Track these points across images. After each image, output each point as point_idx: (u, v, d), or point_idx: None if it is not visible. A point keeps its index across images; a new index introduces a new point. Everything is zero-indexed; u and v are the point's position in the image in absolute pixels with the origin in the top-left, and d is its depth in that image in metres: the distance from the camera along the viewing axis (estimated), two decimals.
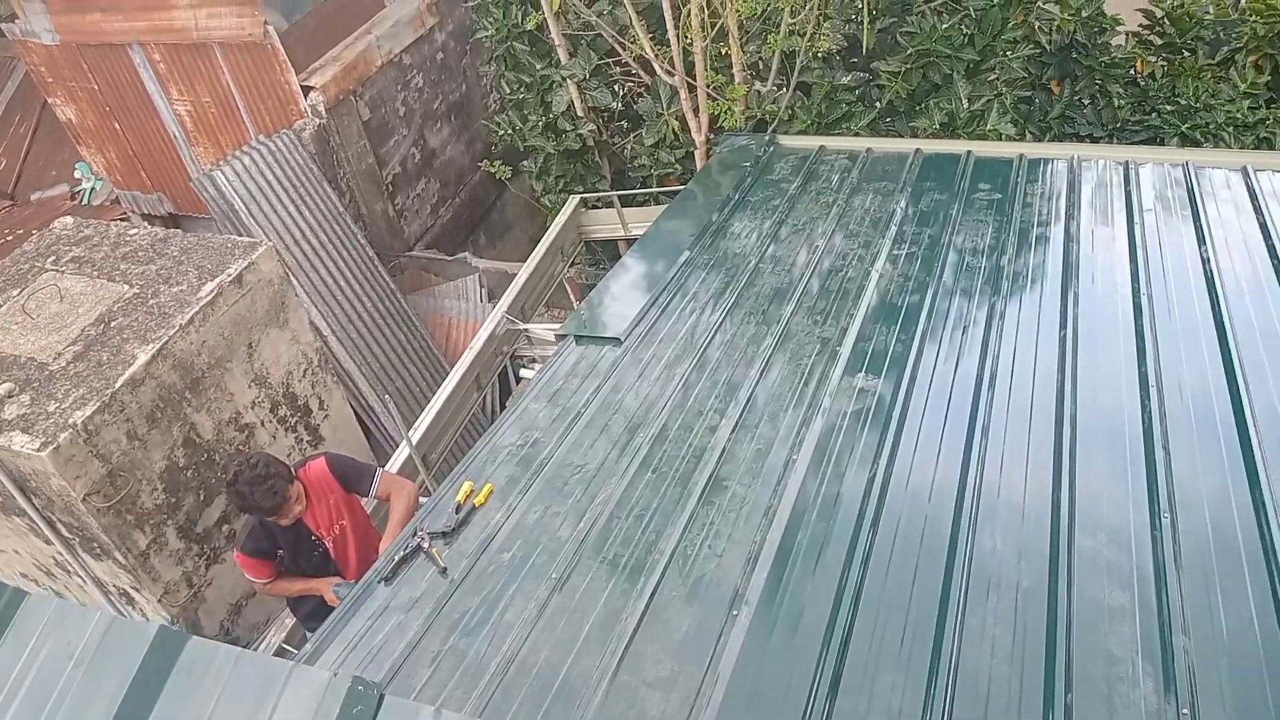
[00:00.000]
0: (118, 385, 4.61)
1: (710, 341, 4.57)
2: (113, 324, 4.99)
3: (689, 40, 6.63)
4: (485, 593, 3.38)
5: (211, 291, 5.06)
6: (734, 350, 4.50)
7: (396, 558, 3.57)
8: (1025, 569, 3.12)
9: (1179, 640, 2.79)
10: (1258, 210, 4.96)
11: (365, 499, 4.28)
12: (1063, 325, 4.24)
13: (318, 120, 7.98)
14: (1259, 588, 2.93)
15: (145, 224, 9.41)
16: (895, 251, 5.06)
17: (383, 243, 8.67)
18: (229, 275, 5.14)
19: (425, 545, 3.58)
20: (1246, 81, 7.19)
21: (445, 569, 3.49)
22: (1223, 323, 4.12)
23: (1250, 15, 7.42)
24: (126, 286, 5.24)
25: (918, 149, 6.07)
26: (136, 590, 5.00)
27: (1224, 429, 3.57)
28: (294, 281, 6.94)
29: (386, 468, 4.92)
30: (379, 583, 3.51)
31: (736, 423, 4.00)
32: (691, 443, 3.94)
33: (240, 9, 7.72)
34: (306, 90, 7.99)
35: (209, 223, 8.14)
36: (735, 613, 3.13)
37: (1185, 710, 2.61)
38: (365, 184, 8.52)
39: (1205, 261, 4.59)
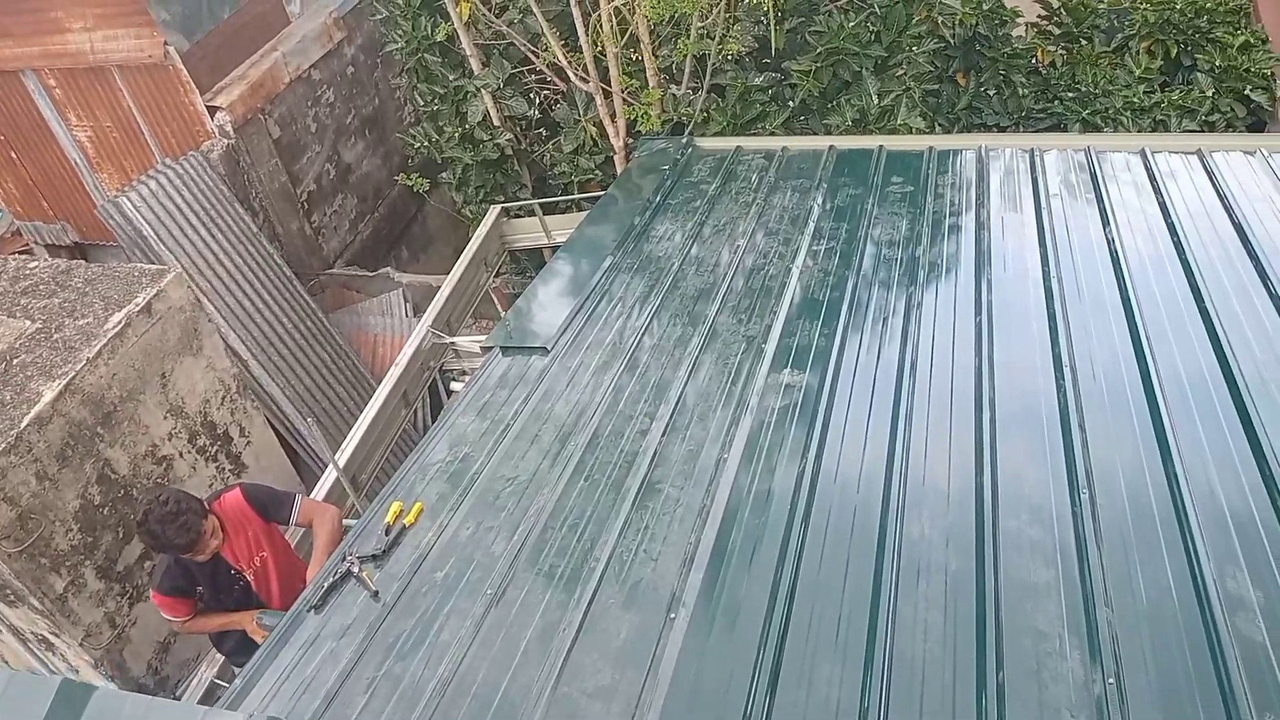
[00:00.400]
0: (23, 425, 4.40)
1: (638, 345, 4.57)
2: (15, 362, 4.76)
3: (600, 47, 6.62)
4: (419, 614, 3.31)
5: (119, 322, 4.88)
6: (661, 353, 4.49)
7: (325, 584, 3.47)
8: (953, 552, 3.17)
9: (1102, 613, 2.86)
10: (1156, 190, 5.15)
11: (286, 527, 4.16)
12: (978, 311, 4.33)
13: (226, 140, 7.78)
14: (1175, 557, 3.03)
15: (48, 256, 9.04)
16: (815, 247, 5.12)
17: (301, 262, 8.47)
18: (137, 305, 4.96)
19: (355, 569, 3.49)
20: (1141, 67, 7.48)
21: (377, 592, 3.41)
22: (1129, 300, 4.26)
23: (1141, 3, 7.74)
24: (28, 322, 5.01)
25: (831, 145, 6.16)
26: (56, 636, 4.78)
27: (1135, 404, 3.69)
28: (209, 307, 6.73)
29: (314, 491, 4.81)
30: (308, 611, 3.41)
31: (667, 425, 4.00)
32: (623, 448, 3.92)
33: (138, 30, 7.48)
34: (213, 110, 7.78)
35: (117, 251, 7.86)
36: (673, 616, 3.12)
37: (1111, 680, 2.68)
38: (279, 203, 8.32)
39: (1110, 242, 4.75)
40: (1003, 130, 7.26)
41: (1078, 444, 3.49)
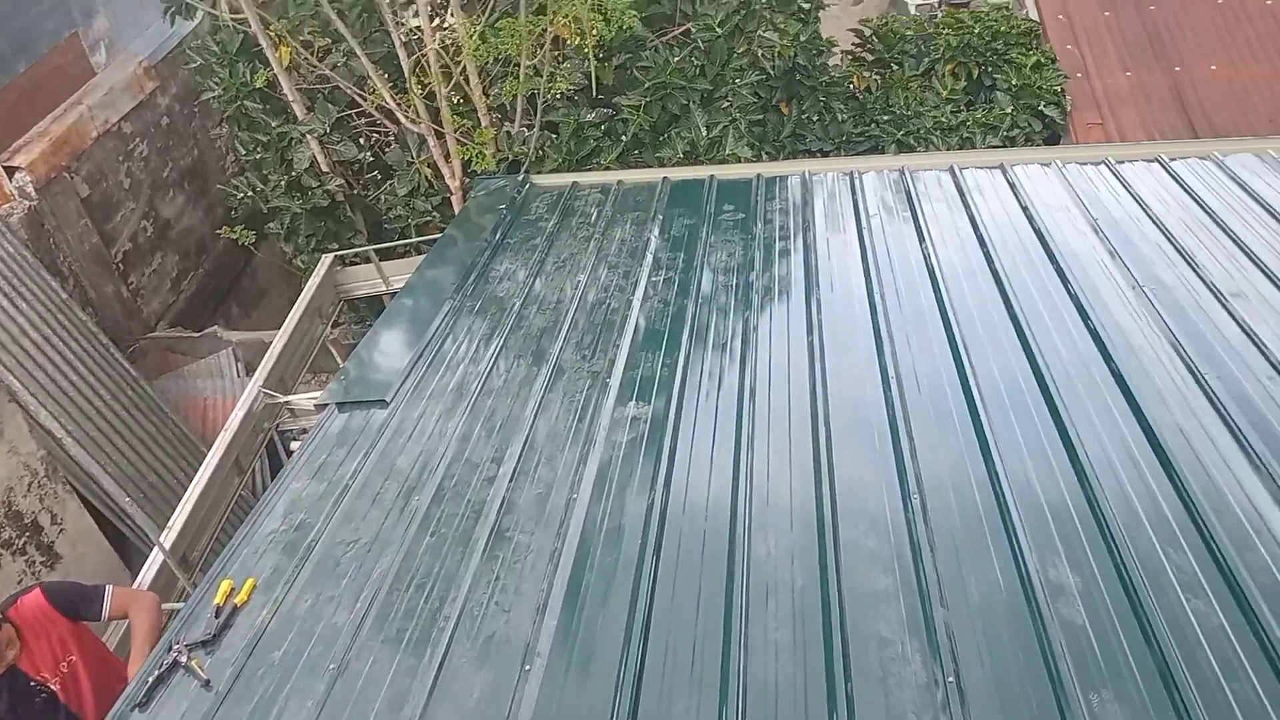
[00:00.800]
0: None
1: (482, 388, 4.47)
2: None
3: (429, 88, 6.53)
4: (256, 699, 3.08)
5: None
6: (506, 394, 4.42)
7: (150, 679, 3.19)
8: (798, 569, 3.22)
9: (939, 614, 2.96)
10: (965, 204, 5.48)
11: (102, 624, 3.78)
12: (810, 331, 4.47)
13: (27, 203, 7.22)
14: (1001, 552, 3.18)
15: None
16: (654, 278, 5.17)
17: (119, 326, 7.92)
18: None
19: (183, 659, 3.23)
20: (947, 89, 8.00)
21: (208, 681, 3.16)
22: (946, 311, 4.50)
23: (943, 29, 8.29)
24: None
25: (665, 177, 6.28)
26: None
27: (956, 409, 3.87)
28: (14, 385, 6.17)
29: (139, 575, 4.44)
30: (132, 710, 3.13)
31: (515, 469, 3.91)
32: (470, 498, 3.81)
33: None
34: (10, 171, 7.22)
35: None
36: (528, 668, 3.03)
37: (951, 678, 2.76)
38: (91, 265, 7.77)
39: (926, 257, 5.01)
40: (825, 155, 7.60)
41: (907, 452, 3.63)
